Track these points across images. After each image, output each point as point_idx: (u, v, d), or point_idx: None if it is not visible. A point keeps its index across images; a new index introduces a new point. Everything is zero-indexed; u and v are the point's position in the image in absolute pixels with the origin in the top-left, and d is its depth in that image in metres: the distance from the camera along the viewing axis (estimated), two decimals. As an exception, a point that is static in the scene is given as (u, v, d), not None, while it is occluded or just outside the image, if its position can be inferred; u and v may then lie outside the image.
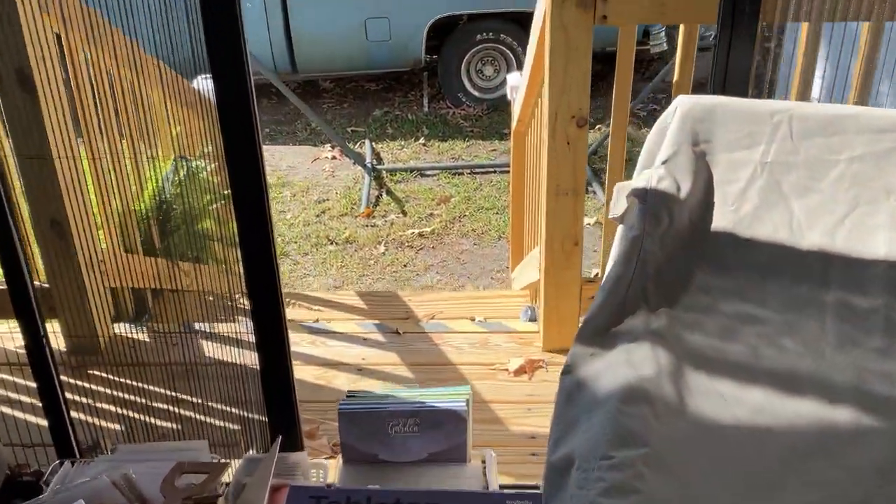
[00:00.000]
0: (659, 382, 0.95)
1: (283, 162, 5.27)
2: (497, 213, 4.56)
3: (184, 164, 2.43)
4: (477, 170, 5.10)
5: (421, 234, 4.35)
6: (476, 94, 6.02)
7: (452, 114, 5.96)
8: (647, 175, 1.08)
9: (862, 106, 1.08)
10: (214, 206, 2.44)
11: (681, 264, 1.05)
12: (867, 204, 1.01)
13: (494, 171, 5.05)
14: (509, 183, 3.46)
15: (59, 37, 2.09)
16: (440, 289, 3.12)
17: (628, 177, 1.17)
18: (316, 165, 5.23)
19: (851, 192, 1.03)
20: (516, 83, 2.99)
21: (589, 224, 4.36)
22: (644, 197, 1.06)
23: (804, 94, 1.66)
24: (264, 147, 5.27)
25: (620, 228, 1.14)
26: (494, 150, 5.39)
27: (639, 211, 1.06)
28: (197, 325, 2.07)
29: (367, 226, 4.47)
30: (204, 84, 2.99)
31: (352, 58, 5.83)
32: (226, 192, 2.44)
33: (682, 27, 1.69)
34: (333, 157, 5.32)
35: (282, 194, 4.80)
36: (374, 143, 5.52)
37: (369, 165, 5.03)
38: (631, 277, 1.03)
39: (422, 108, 6.07)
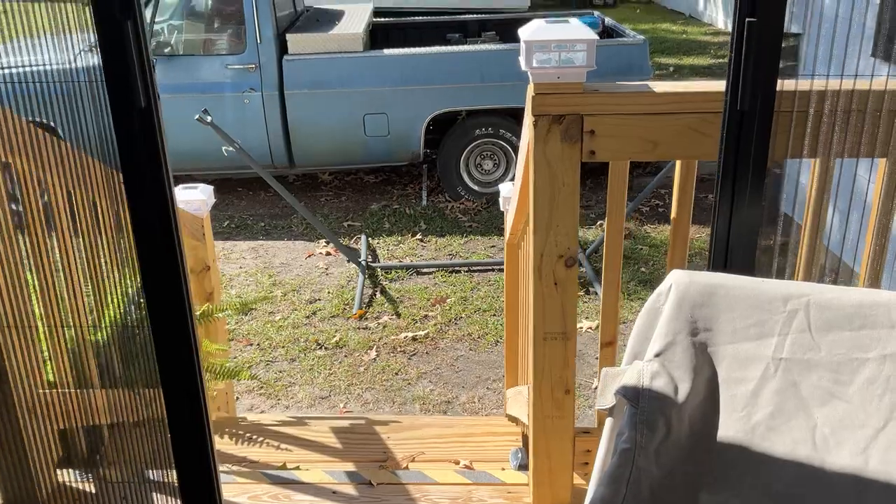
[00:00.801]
0: None
1: (276, 259, 5.14)
2: (494, 314, 4.38)
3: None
4: (474, 268, 4.95)
5: (415, 338, 4.17)
6: (475, 188, 5.94)
7: (451, 208, 5.87)
8: (639, 369, 0.91)
9: (889, 292, 0.91)
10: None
11: (681, 483, 0.87)
12: (905, 414, 0.84)
13: (492, 270, 4.91)
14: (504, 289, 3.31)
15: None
16: (426, 423, 2.87)
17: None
18: (310, 262, 5.10)
19: (885, 399, 0.85)
20: (509, 194, 2.87)
21: (590, 329, 4.18)
22: (636, 399, 0.88)
23: (814, 232, 1.50)
24: (259, 242, 5.10)
25: (608, 425, 0.96)
26: (493, 245, 5.25)
27: (629, 417, 0.88)
28: (151, 474, 1.87)
29: (359, 328, 4.30)
30: (184, 194, 2.86)
31: (349, 152, 5.78)
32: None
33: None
34: (328, 253, 5.19)
35: (272, 294, 4.64)
36: (370, 239, 5.40)
37: (364, 263, 4.89)
38: (622, 503, 0.85)
39: (420, 202, 5.98)
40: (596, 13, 6.82)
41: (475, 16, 7.26)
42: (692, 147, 1.46)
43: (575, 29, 1.44)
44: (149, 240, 1.19)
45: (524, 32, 1.46)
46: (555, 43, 1.39)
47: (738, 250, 1.18)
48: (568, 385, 1.64)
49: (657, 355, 0.91)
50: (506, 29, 6.99)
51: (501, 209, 2.97)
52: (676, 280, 0.95)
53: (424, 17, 7.39)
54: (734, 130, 1.13)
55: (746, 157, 1.14)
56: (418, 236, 5.42)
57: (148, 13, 5.48)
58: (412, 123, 5.65)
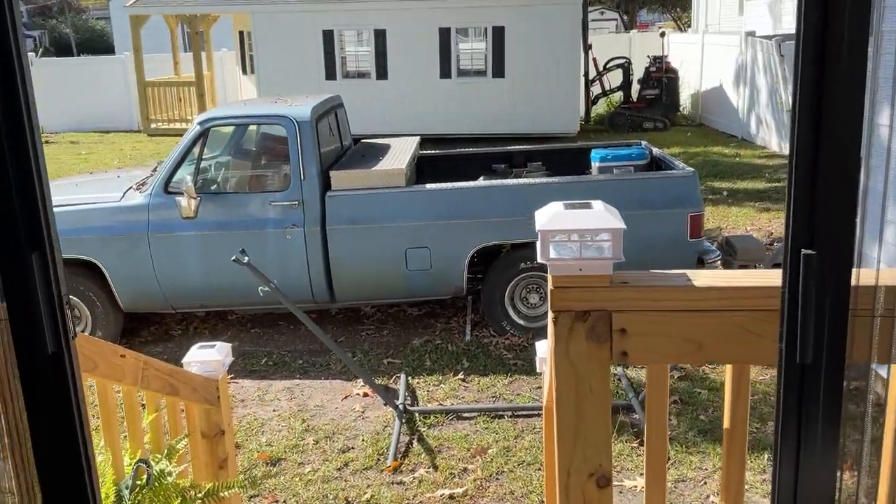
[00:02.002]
0: None
1: (311, 400, 4.93)
2: (538, 468, 4.04)
3: (145, 467, 2.08)
4: (519, 412, 4.65)
5: (452, 497, 3.85)
6: (521, 322, 5.71)
7: (495, 343, 5.63)
8: None
9: None
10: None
11: None
12: None
13: (537, 415, 4.60)
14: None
15: None
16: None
17: None
18: (346, 404, 4.88)
19: None
20: (545, 354, 2.63)
21: (634, 487, 3.81)
22: None
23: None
24: (295, 381, 4.86)
25: None
26: (538, 387, 4.96)
27: None
28: None
29: (392, 483, 4.00)
30: (199, 354, 2.71)
31: (391, 287, 5.65)
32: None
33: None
34: (365, 395, 4.97)
35: (304, 441, 4.41)
36: (409, 378, 5.17)
37: (401, 407, 4.64)
38: None
39: (463, 337, 5.76)
40: (644, 143, 6.73)
41: (521, 147, 7.25)
42: (744, 350, 1.24)
43: (598, 216, 1.26)
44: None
45: (540, 219, 1.28)
46: (575, 232, 1.21)
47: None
48: None
49: None
50: (552, 158, 6.95)
51: (538, 370, 2.74)
52: None
53: (470, 150, 7.41)
54: (794, 387, 0.91)
55: (813, 418, 0.91)
56: (460, 375, 5.17)
57: (196, 150, 5.58)
58: (455, 257, 5.52)
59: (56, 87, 17.65)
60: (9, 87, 0.80)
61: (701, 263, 5.58)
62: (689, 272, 1.30)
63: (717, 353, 1.26)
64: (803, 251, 0.84)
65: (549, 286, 1.29)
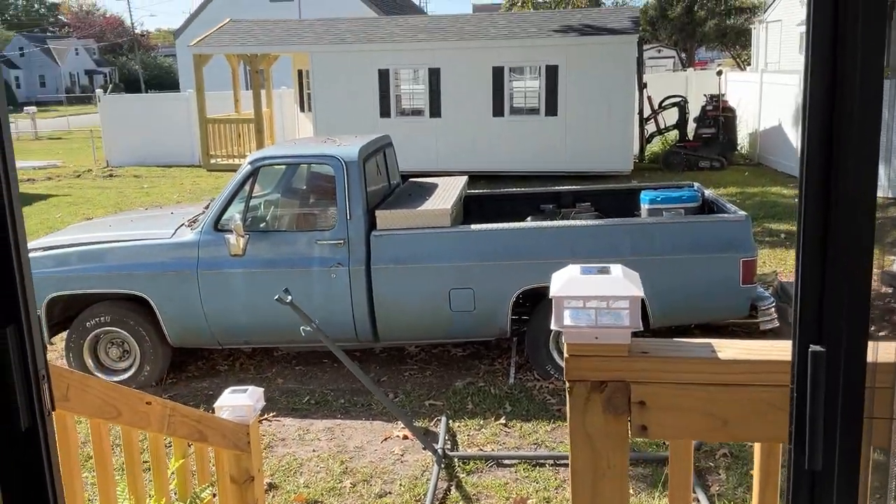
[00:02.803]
0: None
1: (351, 441, 4.89)
2: (580, 521, 3.91)
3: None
4: (560, 461, 4.53)
5: (488, 548, 3.75)
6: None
7: (539, 388, 5.52)
8: None
9: None
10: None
11: None
12: None
13: (580, 465, 4.47)
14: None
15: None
16: None
17: None
18: (385, 447, 4.82)
19: None
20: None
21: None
22: None
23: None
24: (336, 421, 4.83)
25: None
26: (583, 434, 4.83)
27: None
28: None
29: (428, 531, 3.92)
30: (230, 399, 2.70)
31: (434, 327, 5.61)
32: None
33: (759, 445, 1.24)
34: (405, 437, 4.91)
35: (341, 484, 4.37)
36: (450, 421, 5.09)
37: (440, 452, 4.57)
38: None
39: (507, 380, 5.67)
40: (695, 184, 6.60)
41: (570, 187, 7.18)
42: (772, 427, 1.16)
43: (616, 282, 1.20)
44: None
45: (555, 284, 1.23)
46: (590, 299, 1.15)
47: None
48: None
49: None
50: (601, 199, 6.86)
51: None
52: None
53: (518, 189, 7.38)
54: (804, 496, 0.83)
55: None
56: (502, 420, 5.07)
57: (247, 188, 5.67)
58: (499, 299, 5.46)
59: (122, 122, 18.33)
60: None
61: (754, 310, 5.40)
62: (714, 342, 1.23)
63: (743, 431, 1.18)
64: (811, 347, 0.77)
65: (564, 354, 1.23)
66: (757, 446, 1.24)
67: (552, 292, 1.21)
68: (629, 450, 1.20)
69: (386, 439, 4.92)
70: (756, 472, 1.25)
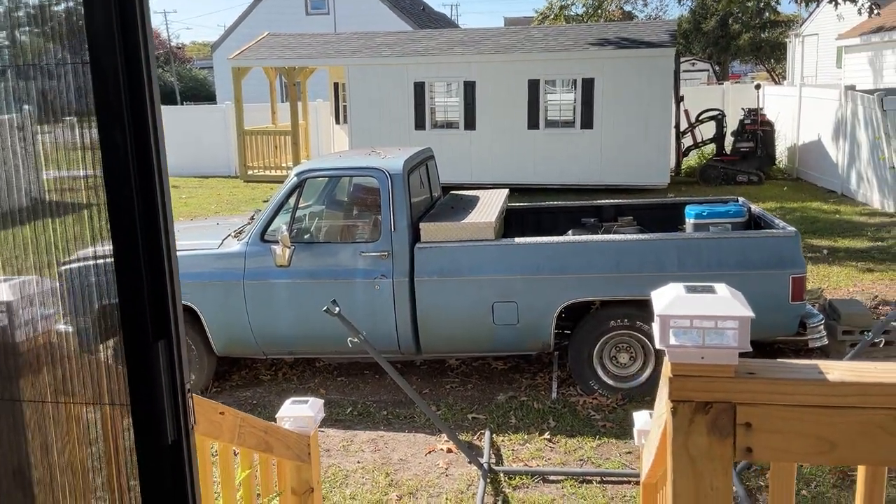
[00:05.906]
0: None
1: (395, 453, 4.89)
2: (629, 540, 3.87)
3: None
4: (608, 478, 4.49)
5: (537, 565, 3.72)
6: (609, 382, 5.55)
7: (583, 403, 5.48)
8: None
9: None
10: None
11: None
12: None
13: (628, 482, 4.43)
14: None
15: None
16: None
17: None
18: (429, 459, 4.82)
19: None
20: (645, 426, 2.53)
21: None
22: None
23: None
24: (380, 433, 4.85)
25: None
26: (629, 451, 4.78)
27: None
28: None
29: (476, 546, 3.90)
30: (291, 410, 2.72)
31: (477, 340, 5.60)
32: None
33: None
34: (449, 450, 4.90)
35: (387, 497, 4.37)
36: (494, 435, 5.07)
37: (486, 466, 4.55)
38: None
39: (549, 395, 5.64)
40: (741, 199, 6.53)
41: (612, 201, 7.15)
42: (881, 451, 1.13)
43: (724, 302, 1.19)
44: None
45: (658, 303, 1.22)
46: (698, 318, 1.14)
47: None
48: None
49: None
50: (642, 213, 6.82)
51: (636, 443, 2.63)
52: None
53: (559, 203, 7.36)
54: None
55: None
56: (546, 435, 5.04)
57: (292, 200, 5.72)
58: (542, 313, 5.43)
59: (161, 133, 18.57)
60: (147, 186, 0.81)
61: (803, 328, 5.32)
62: (820, 363, 1.21)
63: (850, 454, 1.16)
64: None
65: (668, 373, 1.22)
66: (861, 470, 1.22)
67: (657, 311, 1.21)
68: (732, 472, 1.19)
69: (430, 452, 4.92)
70: (859, 497, 1.23)
